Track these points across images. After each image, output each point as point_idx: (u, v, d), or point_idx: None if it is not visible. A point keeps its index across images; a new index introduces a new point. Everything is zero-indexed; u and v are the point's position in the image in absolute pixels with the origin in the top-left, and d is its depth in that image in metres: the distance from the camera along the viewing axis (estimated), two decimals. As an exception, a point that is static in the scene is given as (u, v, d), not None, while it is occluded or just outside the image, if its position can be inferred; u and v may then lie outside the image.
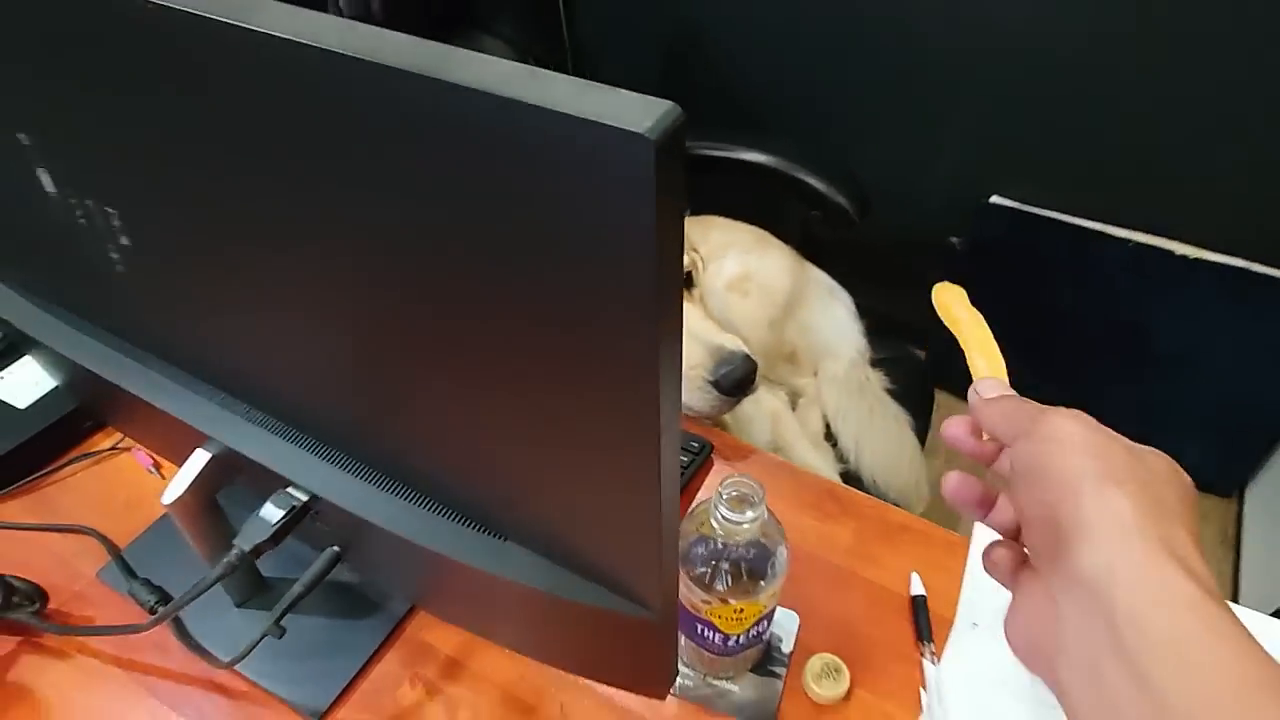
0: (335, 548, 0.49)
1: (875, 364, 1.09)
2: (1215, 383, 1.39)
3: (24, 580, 0.56)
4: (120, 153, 0.34)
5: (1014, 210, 1.41)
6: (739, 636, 0.49)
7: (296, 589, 0.48)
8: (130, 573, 0.58)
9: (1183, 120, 1.22)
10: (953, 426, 0.37)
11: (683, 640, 0.52)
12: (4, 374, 0.69)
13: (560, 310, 0.27)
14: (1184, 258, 1.31)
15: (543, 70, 0.22)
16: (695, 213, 1.11)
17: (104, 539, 0.61)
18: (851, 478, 0.99)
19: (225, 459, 0.49)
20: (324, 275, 0.33)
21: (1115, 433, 0.30)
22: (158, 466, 0.67)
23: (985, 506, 0.36)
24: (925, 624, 0.56)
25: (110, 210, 0.37)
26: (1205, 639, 0.24)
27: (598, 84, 0.21)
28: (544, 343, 0.29)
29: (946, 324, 0.43)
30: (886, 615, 0.57)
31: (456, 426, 0.36)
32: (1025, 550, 0.33)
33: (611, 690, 0.54)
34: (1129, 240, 1.34)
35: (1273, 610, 0.62)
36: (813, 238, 1.21)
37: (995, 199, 1.42)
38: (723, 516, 0.44)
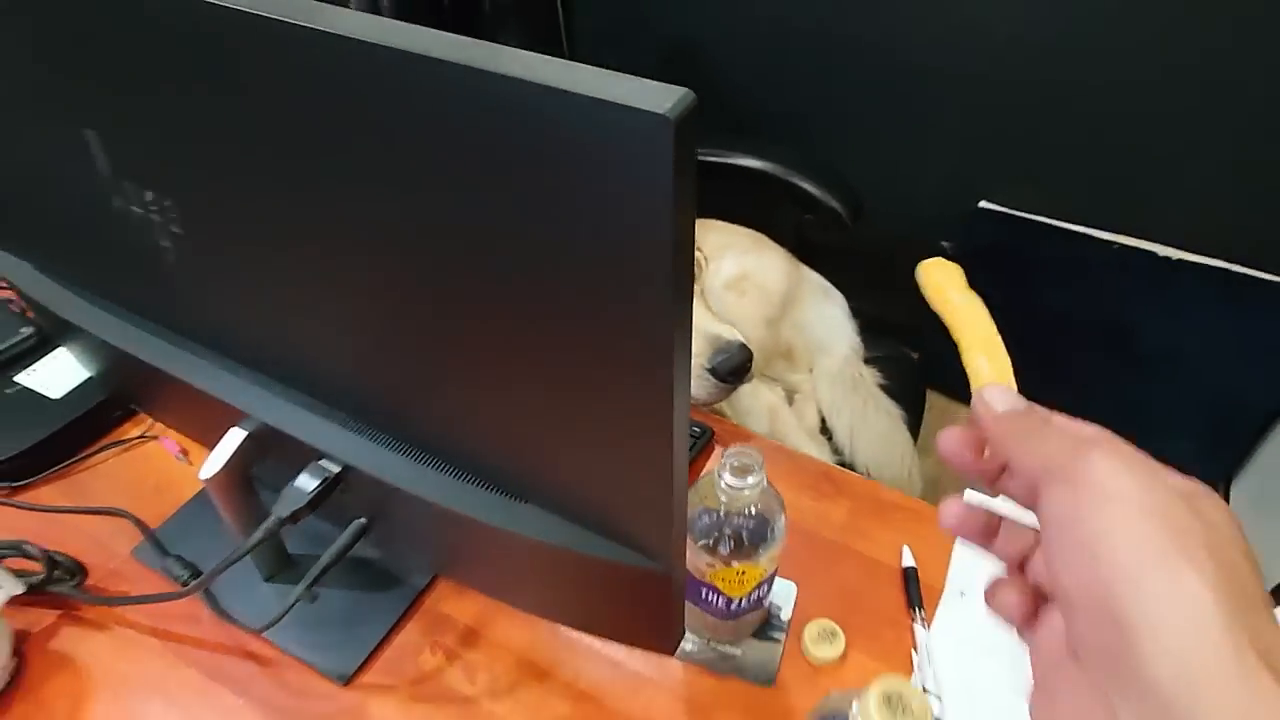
0: (361, 520, 0.53)
1: (869, 361, 1.12)
2: (1200, 379, 1.42)
3: (65, 555, 0.59)
4: (180, 147, 0.38)
5: (1003, 215, 1.45)
6: (741, 600, 0.52)
7: (326, 557, 0.51)
8: (163, 550, 0.62)
9: (1164, 129, 1.27)
10: (950, 441, 0.31)
11: (688, 607, 0.55)
12: (37, 366, 0.73)
13: (583, 282, 0.30)
14: (1167, 259, 1.35)
15: (570, 61, 0.26)
16: (694, 216, 1.15)
17: (136, 520, 0.64)
18: (846, 469, 1.02)
19: (259, 436, 0.53)
20: (362, 257, 0.37)
21: (1156, 463, 0.25)
22: (185, 453, 0.70)
23: (990, 535, 0.32)
24: (916, 593, 0.60)
25: (167, 201, 0.40)
26: None
27: (620, 73, 0.25)
28: (568, 315, 0.32)
29: (935, 307, 0.37)
30: (879, 585, 0.61)
31: (483, 397, 0.40)
32: (1039, 587, 0.29)
33: (621, 656, 0.57)
34: (1114, 243, 1.38)
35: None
36: (807, 241, 1.25)
37: (984, 204, 1.46)
38: (726, 483, 0.47)
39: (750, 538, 0.49)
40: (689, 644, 0.57)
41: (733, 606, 0.53)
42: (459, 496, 0.44)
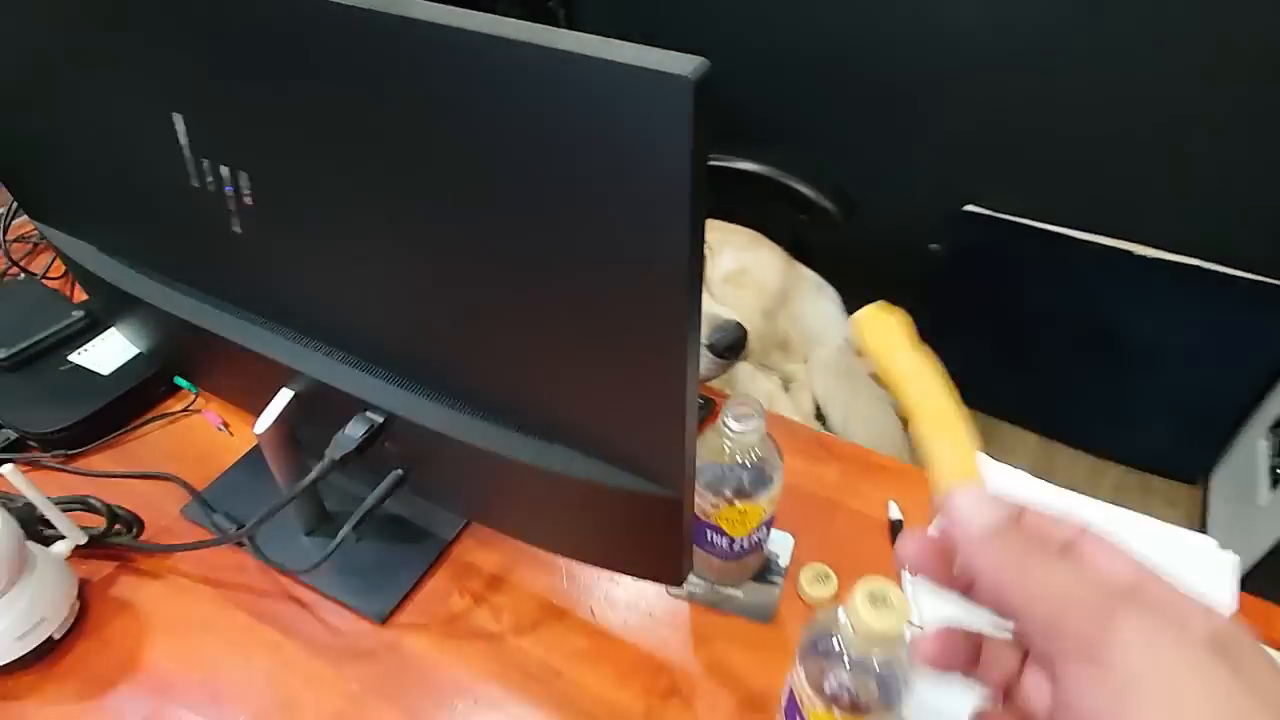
0: (399, 471, 0.58)
1: (860, 353, 1.18)
2: (1178, 374, 1.49)
3: (125, 510, 0.64)
4: (256, 124, 0.44)
5: (988, 217, 1.52)
6: (743, 541, 0.58)
7: (369, 501, 0.57)
8: (210, 508, 0.67)
9: (1142, 136, 1.34)
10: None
11: (695, 553, 0.61)
12: (87, 347, 0.78)
13: (610, 235, 0.36)
14: (1144, 258, 1.42)
15: (599, 36, 0.31)
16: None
17: (184, 483, 0.70)
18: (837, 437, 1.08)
19: (305, 396, 0.58)
20: (410, 220, 0.43)
21: (1190, 604, 0.24)
22: (226, 425, 0.76)
23: (974, 661, 0.29)
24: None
25: (241, 175, 0.46)
26: None
27: (643, 45, 0.31)
28: (596, 266, 0.37)
29: (878, 371, 0.31)
30: (868, 536, 0.66)
31: (515, 347, 0.46)
32: None
33: (633, 598, 0.62)
34: (1094, 243, 1.45)
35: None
36: (802, 242, 1.31)
37: (970, 207, 1.53)
38: (730, 428, 0.53)
39: (751, 481, 0.55)
40: (695, 587, 0.62)
41: (735, 547, 0.58)
42: (492, 438, 0.50)
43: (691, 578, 0.63)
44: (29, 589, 0.56)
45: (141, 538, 0.66)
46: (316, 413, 0.58)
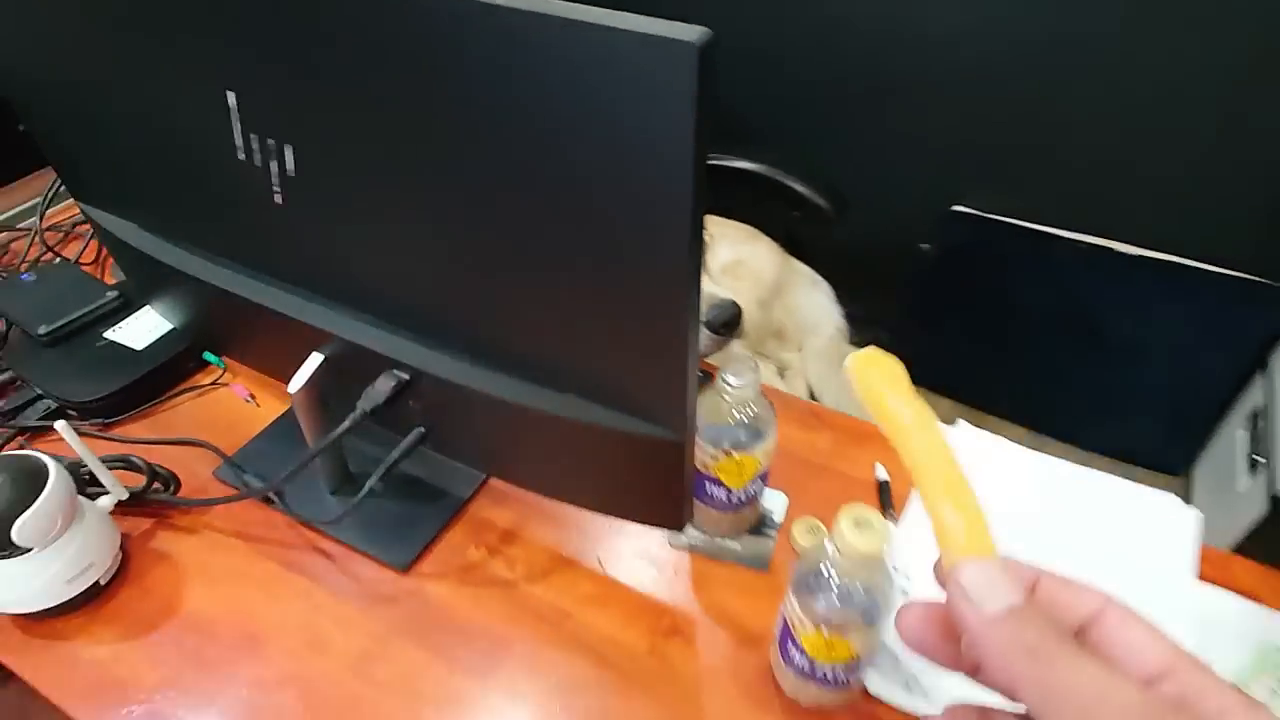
0: (421, 429, 0.63)
1: (853, 342, 1.24)
2: (1161, 367, 1.54)
3: (164, 468, 0.69)
4: (303, 98, 0.49)
5: (975, 217, 1.57)
6: (739, 493, 0.63)
7: (394, 454, 0.61)
8: (240, 470, 0.72)
9: (1124, 138, 1.40)
10: (915, 624, 0.27)
11: (695, 506, 0.65)
12: (123, 324, 0.83)
13: (620, 195, 0.41)
14: (1126, 255, 1.47)
15: (605, 9, 0.36)
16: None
17: (215, 448, 0.74)
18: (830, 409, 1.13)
19: (334, 359, 0.63)
20: (439, 188, 0.47)
21: (1251, 703, 0.21)
22: (253, 396, 0.81)
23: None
24: (888, 499, 0.70)
25: (286, 148, 0.51)
26: None
27: (648, 16, 0.36)
28: (607, 225, 0.42)
29: (876, 420, 0.30)
30: (857, 494, 0.70)
31: (533, 303, 0.50)
32: None
33: (638, 548, 0.67)
34: (1078, 241, 1.51)
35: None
36: (796, 240, 1.37)
37: (958, 207, 1.58)
38: (729, 383, 0.58)
39: (746, 433, 0.60)
40: (695, 539, 0.67)
41: (732, 498, 0.63)
42: (508, 389, 0.54)
43: (691, 531, 0.68)
44: (79, 536, 0.60)
45: (178, 496, 0.70)
46: (345, 375, 0.63)
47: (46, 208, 0.95)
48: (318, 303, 0.61)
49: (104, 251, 0.99)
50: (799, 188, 1.28)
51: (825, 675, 0.52)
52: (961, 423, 0.77)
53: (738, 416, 0.59)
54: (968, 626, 0.24)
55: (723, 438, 0.60)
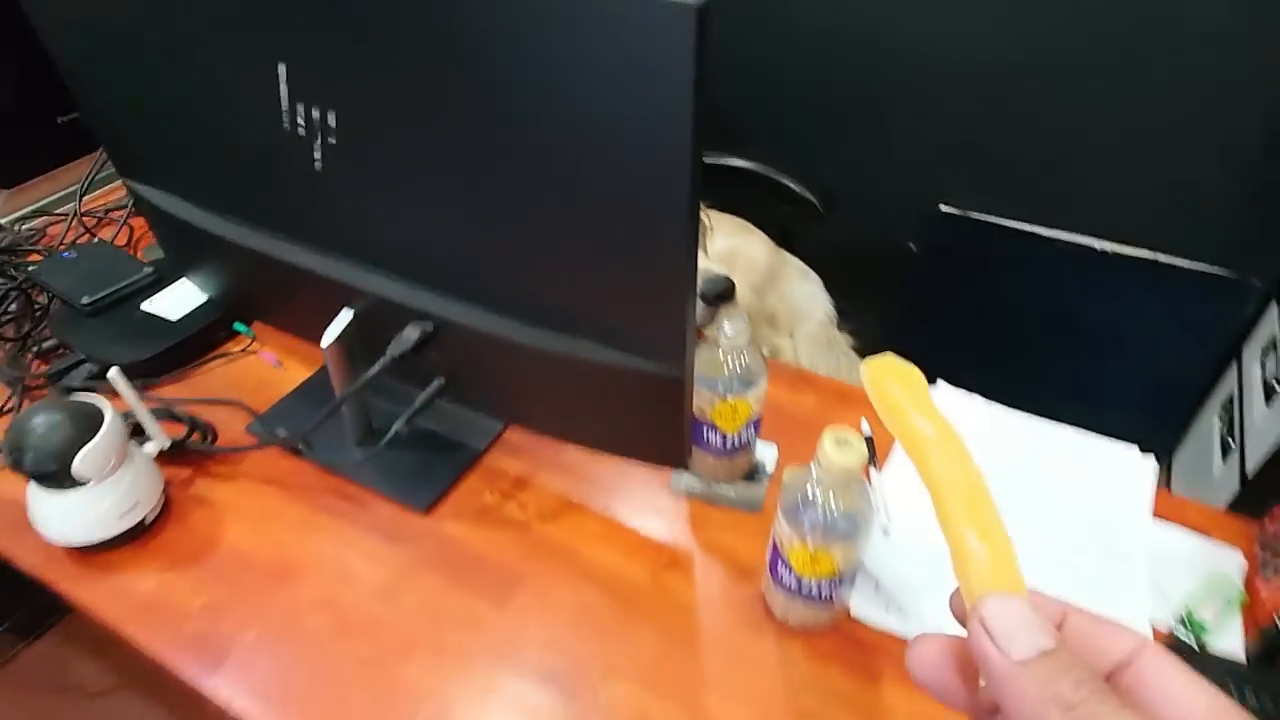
0: (441, 379, 0.69)
1: (842, 329, 1.30)
2: (1138, 359, 1.60)
3: (202, 419, 0.75)
4: (347, 69, 0.55)
5: (961, 217, 1.64)
6: (734, 438, 0.68)
7: (418, 401, 0.67)
8: (271, 426, 0.78)
9: (1101, 141, 1.48)
10: (927, 660, 0.25)
11: (693, 454, 0.71)
12: (158, 297, 0.89)
13: (624, 150, 0.47)
14: (1104, 252, 1.54)
15: None
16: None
17: (247, 406, 0.80)
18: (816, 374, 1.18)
19: (363, 315, 0.69)
20: (464, 146, 0.54)
21: None
22: (280, 362, 0.86)
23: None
24: (872, 453, 0.76)
25: (330, 116, 0.58)
26: None
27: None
28: (613, 180, 0.48)
29: (894, 432, 0.29)
30: (842, 447, 0.77)
31: (547, 254, 0.56)
32: None
33: (640, 493, 0.72)
34: (1058, 239, 1.58)
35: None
36: (789, 237, 1.43)
37: (944, 207, 1.65)
38: (725, 333, 0.64)
39: (740, 379, 0.66)
40: (692, 485, 0.73)
41: (727, 443, 0.69)
42: (524, 334, 0.60)
43: (689, 477, 0.73)
44: (128, 475, 0.66)
45: (215, 445, 0.76)
46: (372, 330, 0.68)
47: (84, 194, 1.01)
48: (349, 262, 0.67)
49: (135, 234, 1.05)
50: (790, 184, 1.35)
51: (811, 591, 0.58)
52: (941, 383, 0.83)
53: (732, 365, 0.65)
54: (992, 671, 0.22)
55: (718, 384, 0.66)
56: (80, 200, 1.01)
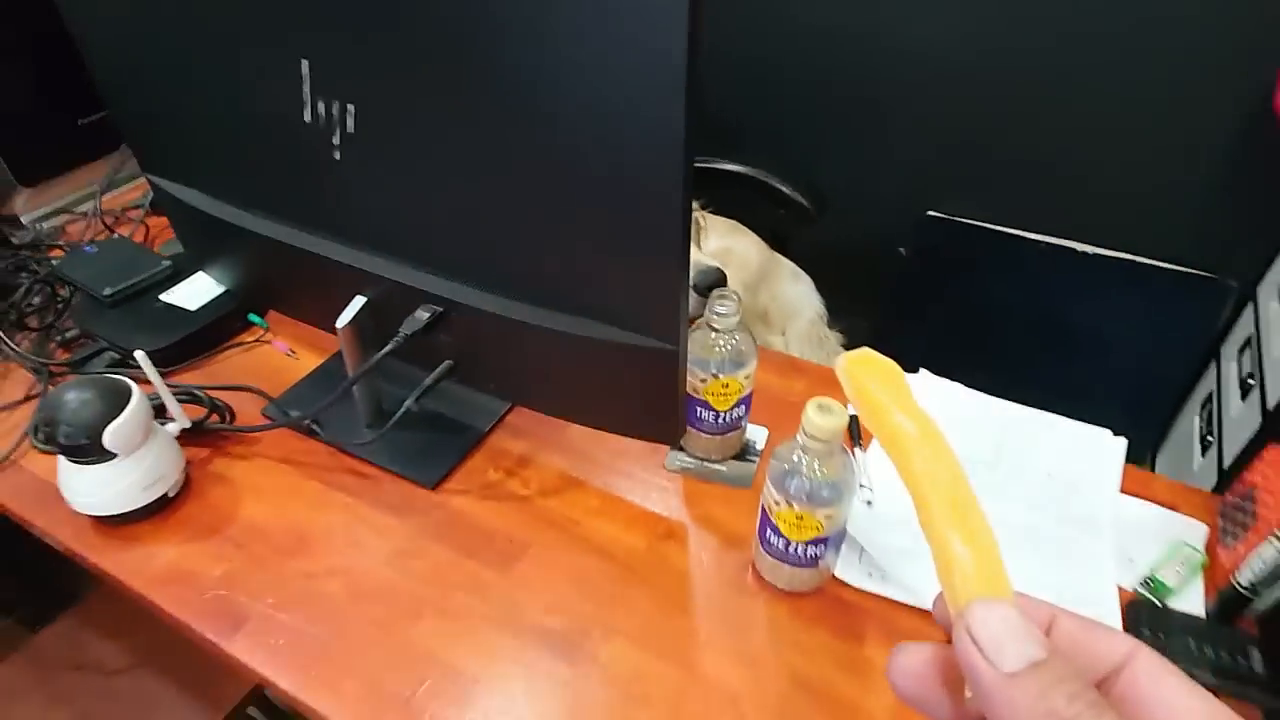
0: (449, 361, 0.73)
1: (832, 327, 1.34)
2: (1120, 359, 1.65)
3: (222, 401, 0.78)
4: (366, 63, 0.59)
5: (948, 221, 1.70)
6: (726, 415, 0.72)
7: (427, 381, 0.71)
8: (285, 410, 0.82)
9: (1080, 147, 1.53)
10: (909, 673, 0.24)
11: (687, 433, 0.75)
12: (177, 289, 0.93)
13: (620, 134, 0.51)
14: (1085, 254, 1.59)
15: None
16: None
17: (262, 392, 0.84)
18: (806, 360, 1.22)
19: (375, 301, 0.73)
20: (473, 136, 0.58)
21: None
22: (293, 351, 0.90)
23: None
24: (857, 432, 0.80)
25: (350, 105, 0.62)
26: None
27: None
28: (611, 164, 0.53)
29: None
30: (829, 428, 0.81)
31: (550, 237, 0.61)
32: None
33: (637, 471, 0.76)
34: (1041, 242, 1.63)
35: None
36: (781, 241, 1.48)
37: (932, 213, 1.70)
38: (716, 313, 0.68)
39: (731, 359, 0.70)
40: (686, 464, 0.77)
41: (720, 421, 0.73)
42: (529, 314, 0.64)
43: (684, 456, 0.77)
44: (153, 450, 0.69)
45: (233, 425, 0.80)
46: (384, 316, 0.72)
47: (104, 193, 1.06)
48: (362, 249, 0.71)
49: (151, 232, 1.09)
50: (782, 187, 1.40)
51: (797, 553, 0.62)
52: (923, 371, 0.88)
53: (723, 345, 0.70)
54: (981, 682, 0.21)
55: (710, 365, 0.70)
56: (99, 198, 1.05)
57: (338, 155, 0.65)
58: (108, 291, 0.89)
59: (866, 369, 0.29)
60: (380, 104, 0.61)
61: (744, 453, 0.78)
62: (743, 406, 0.73)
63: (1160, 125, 1.46)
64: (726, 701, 0.59)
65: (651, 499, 0.74)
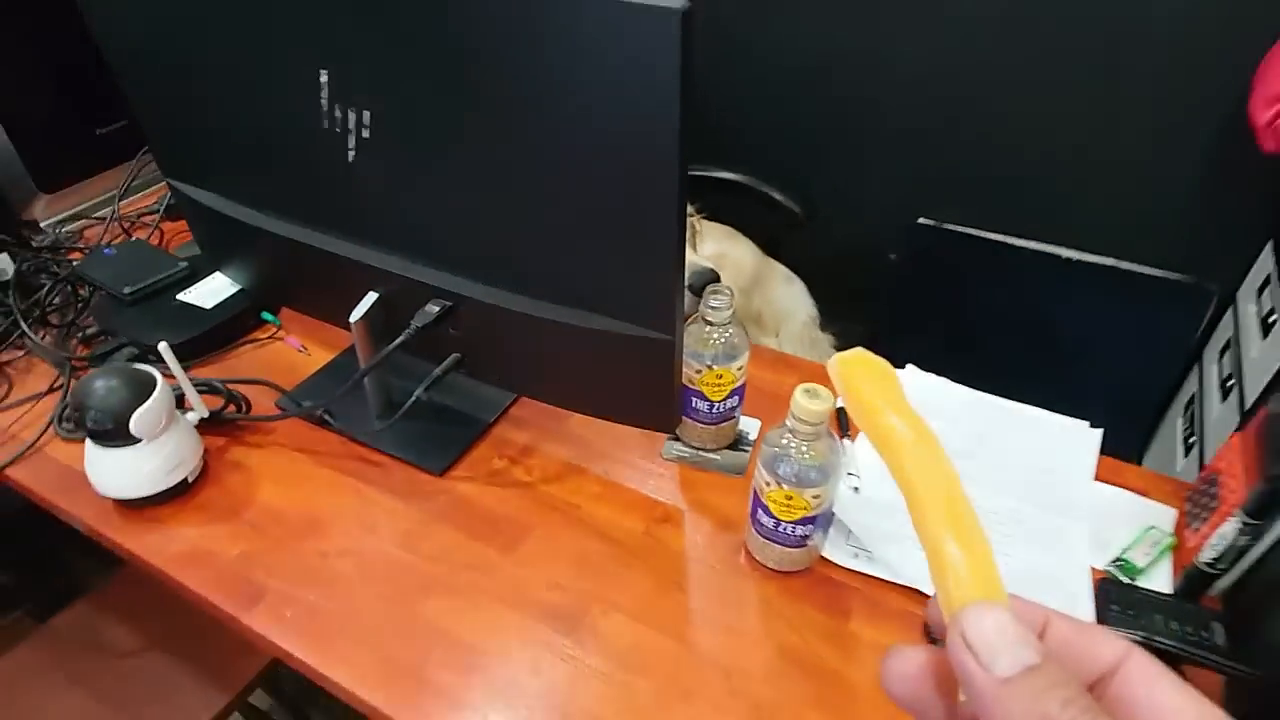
0: (457, 355, 0.77)
1: (824, 329, 1.38)
2: (1104, 363, 1.69)
3: (238, 392, 0.82)
4: (382, 71, 0.64)
5: (937, 228, 1.74)
6: (720, 405, 0.76)
7: (436, 371, 0.75)
8: (298, 401, 0.85)
9: (1065, 156, 1.59)
10: (901, 676, 0.24)
11: (682, 423, 0.79)
12: (193, 288, 0.97)
13: (620, 142, 0.55)
14: (1070, 260, 1.64)
15: None
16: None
17: (276, 385, 0.87)
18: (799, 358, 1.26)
19: (387, 297, 0.77)
20: (480, 139, 0.62)
21: None
22: (305, 348, 0.94)
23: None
24: (845, 423, 0.84)
25: (366, 111, 0.66)
26: None
27: None
28: (610, 170, 0.57)
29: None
30: (818, 420, 0.85)
31: (554, 233, 0.65)
32: None
33: (635, 459, 0.80)
34: (1028, 249, 1.67)
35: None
36: (775, 247, 1.53)
37: (922, 220, 1.75)
38: (710, 307, 0.72)
39: (724, 350, 0.74)
40: (683, 452, 0.80)
41: (714, 410, 0.77)
42: (533, 307, 0.68)
43: (680, 446, 0.81)
44: (174, 437, 0.73)
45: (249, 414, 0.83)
46: (394, 311, 0.76)
47: (121, 198, 1.10)
48: (375, 247, 0.75)
49: (166, 236, 1.13)
50: (775, 194, 1.44)
51: (786, 533, 0.65)
52: (910, 367, 0.92)
53: (716, 337, 0.73)
54: (974, 687, 0.21)
55: (705, 357, 0.74)
56: (118, 203, 1.09)
57: (353, 159, 0.69)
58: (127, 290, 0.93)
59: (859, 369, 0.28)
60: (394, 113, 0.65)
61: (737, 443, 0.81)
62: (736, 397, 0.77)
63: (1143, 138, 1.52)
64: (719, 672, 0.62)
65: (649, 485, 0.78)
